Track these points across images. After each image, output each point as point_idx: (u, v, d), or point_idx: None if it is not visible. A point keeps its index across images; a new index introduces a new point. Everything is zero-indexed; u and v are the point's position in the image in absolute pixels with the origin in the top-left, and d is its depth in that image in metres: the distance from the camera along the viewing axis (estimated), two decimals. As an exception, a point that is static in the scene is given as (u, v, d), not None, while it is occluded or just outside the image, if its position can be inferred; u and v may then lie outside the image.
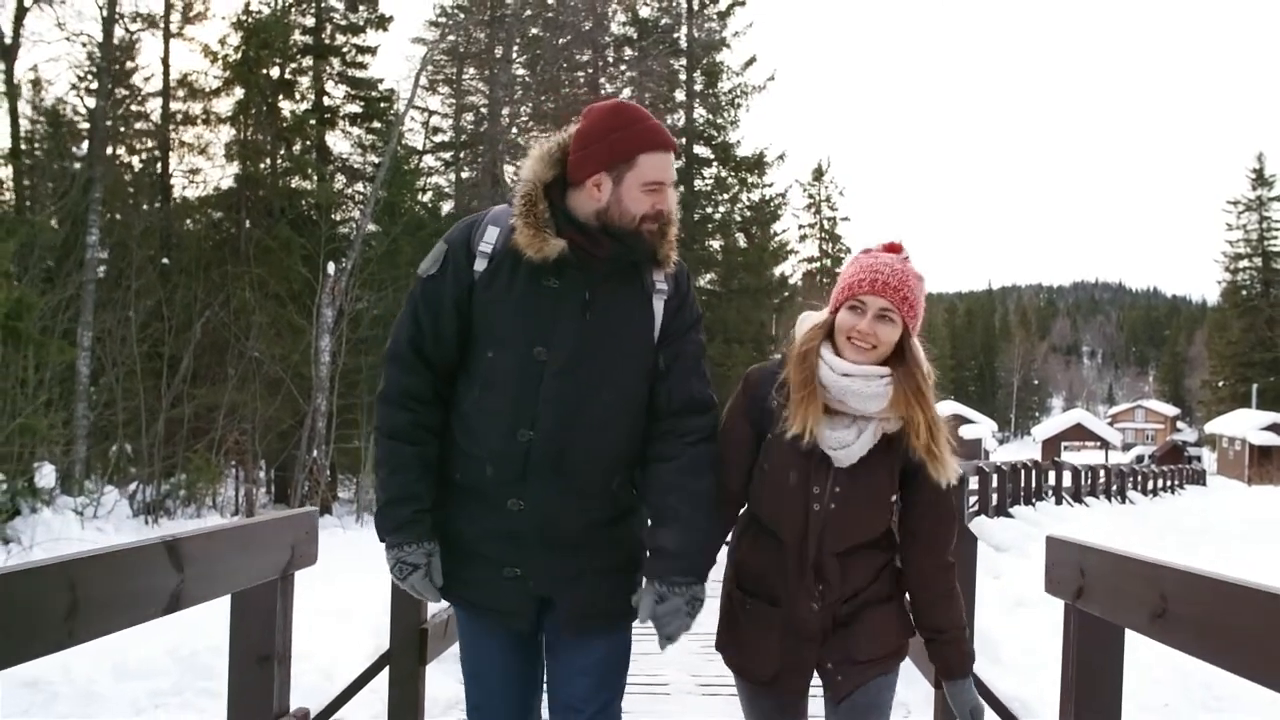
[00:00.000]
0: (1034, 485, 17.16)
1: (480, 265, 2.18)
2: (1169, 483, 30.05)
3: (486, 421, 2.18)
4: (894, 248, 2.28)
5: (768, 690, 2.33)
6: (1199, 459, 56.48)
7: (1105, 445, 65.94)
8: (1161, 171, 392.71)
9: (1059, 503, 18.37)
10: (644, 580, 2.23)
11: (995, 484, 14.19)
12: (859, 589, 2.27)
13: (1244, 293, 60.73)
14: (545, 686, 2.40)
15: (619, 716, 2.33)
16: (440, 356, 2.20)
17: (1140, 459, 53.93)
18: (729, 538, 2.47)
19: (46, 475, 12.34)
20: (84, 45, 20.58)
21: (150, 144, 23.01)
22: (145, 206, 21.60)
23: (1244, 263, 61.27)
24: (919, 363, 2.21)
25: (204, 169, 22.72)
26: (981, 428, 62.86)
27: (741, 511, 2.42)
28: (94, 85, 20.35)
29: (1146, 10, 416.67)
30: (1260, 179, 60.91)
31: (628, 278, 2.22)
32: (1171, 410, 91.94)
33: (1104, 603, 2.37)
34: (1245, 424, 53.07)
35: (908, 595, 2.35)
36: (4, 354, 11.34)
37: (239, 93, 21.91)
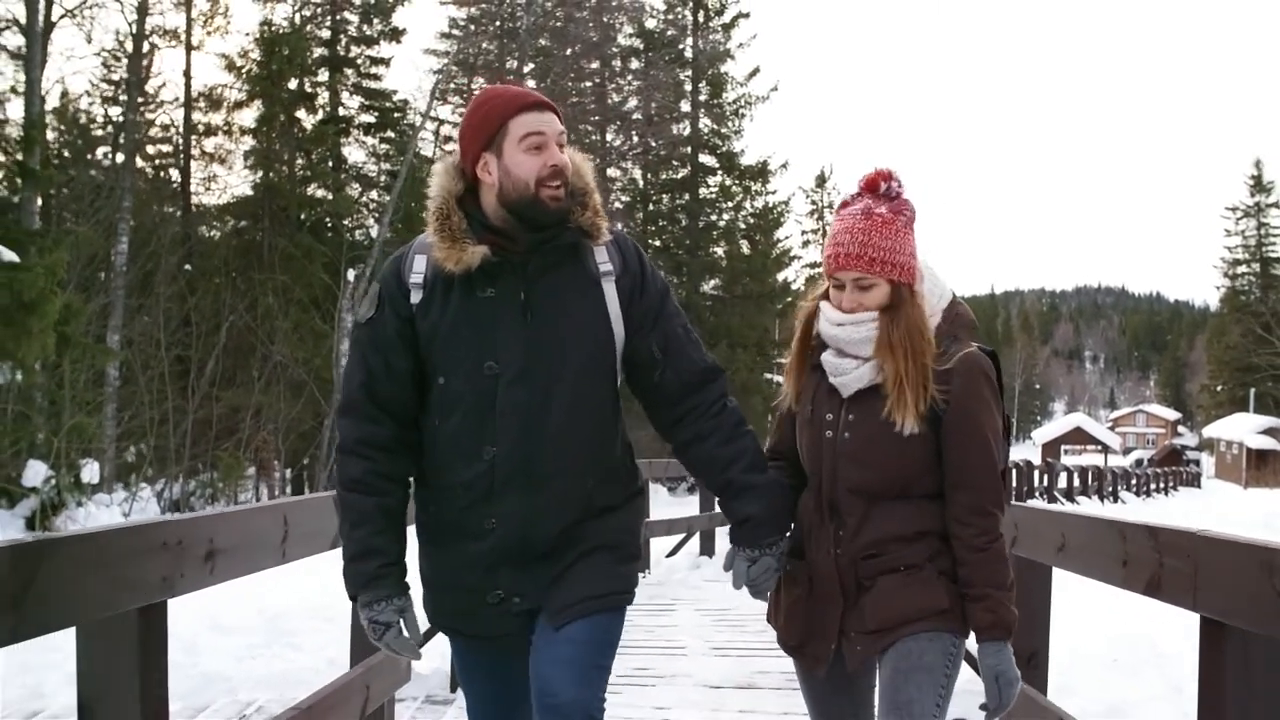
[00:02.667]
0: (1027, 485, 17.83)
1: (416, 297, 2.12)
2: (1162, 484, 30.73)
3: (450, 447, 2.12)
4: (872, 184, 2.21)
5: (801, 658, 2.25)
6: (1197, 463, 57.09)
7: (1105, 449, 66.46)
8: (1165, 176, 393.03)
9: (1051, 501, 19.07)
10: (732, 546, 2.25)
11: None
12: (882, 544, 2.15)
13: (1242, 298, 61.28)
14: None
15: (600, 708, 2.16)
16: (396, 397, 2.13)
17: (1139, 462, 54.55)
18: None
19: (91, 472, 13.08)
20: (113, 58, 21.42)
21: (170, 151, 23.82)
22: (168, 210, 22.37)
23: (1242, 268, 61.81)
24: (907, 315, 2.15)
25: (223, 178, 23.60)
26: (982, 431, 63.36)
27: None
28: (123, 97, 21.16)
29: (1150, 15, 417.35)
30: (1259, 185, 61.42)
31: (564, 267, 2.13)
32: (1172, 415, 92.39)
33: (1029, 545, 3.10)
34: (1242, 428, 53.64)
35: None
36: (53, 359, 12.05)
37: (260, 104, 22.68)
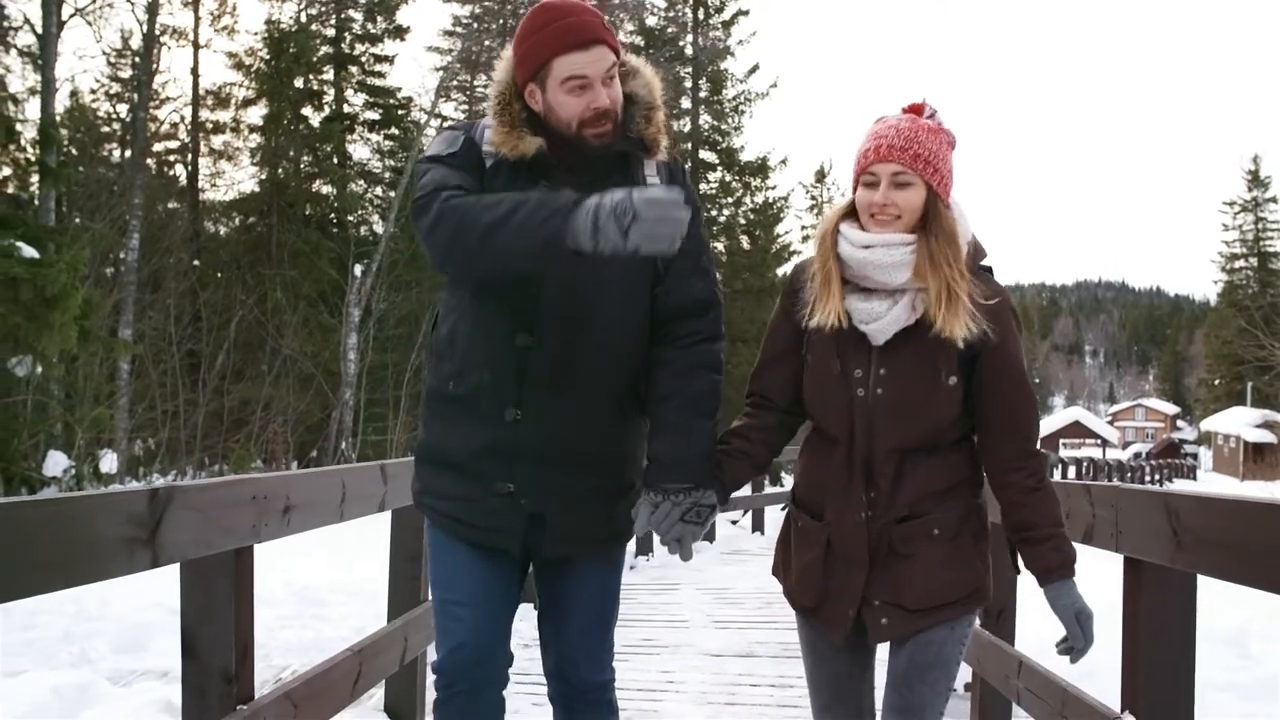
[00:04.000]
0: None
1: (488, 162, 2.08)
2: (1156, 477, 31.12)
3: (482, 326, 2.07)
4: (916, 108, 2.10)
5: (816, 620, 2.13)
6: (1195, 456, 57.49)
7: (1103, 443, 66.93)
8: (1165, 170, 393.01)
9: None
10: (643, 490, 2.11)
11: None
12: (917, 505, 2.04)
13: (1240, 292, 61.63)
14: (538, 635, 2.29)
15: (614, 679, 2.27)
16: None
17: (1138, 456, 54.98)
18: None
19: (110, 462, 13.46)
20: (119, 55, 21.78)
21: (177, 147, 24.21)
22: (174, 206, 22.76)
23: (1240, 263, 62.18)
24: (944, 227, 2.01)
25: (230, 174, 23.97)
26: (981, 425, 63.88)
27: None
28: (133, 96, 21.53)
29: (1151, 10, 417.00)
30: (1256, 180, 61.77)
31: (614, 176, 2.05)
32: (1171, 408, 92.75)
33: (994, 510, 3.46)
34: (1240, 421, 54.02)
35: (999, 502, 2.13)
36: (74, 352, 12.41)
37: (266, 102, 23.05)
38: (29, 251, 11.75)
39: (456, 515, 2.12)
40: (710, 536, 11.11)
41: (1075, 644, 2.03)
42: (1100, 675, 4.57)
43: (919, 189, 1.99)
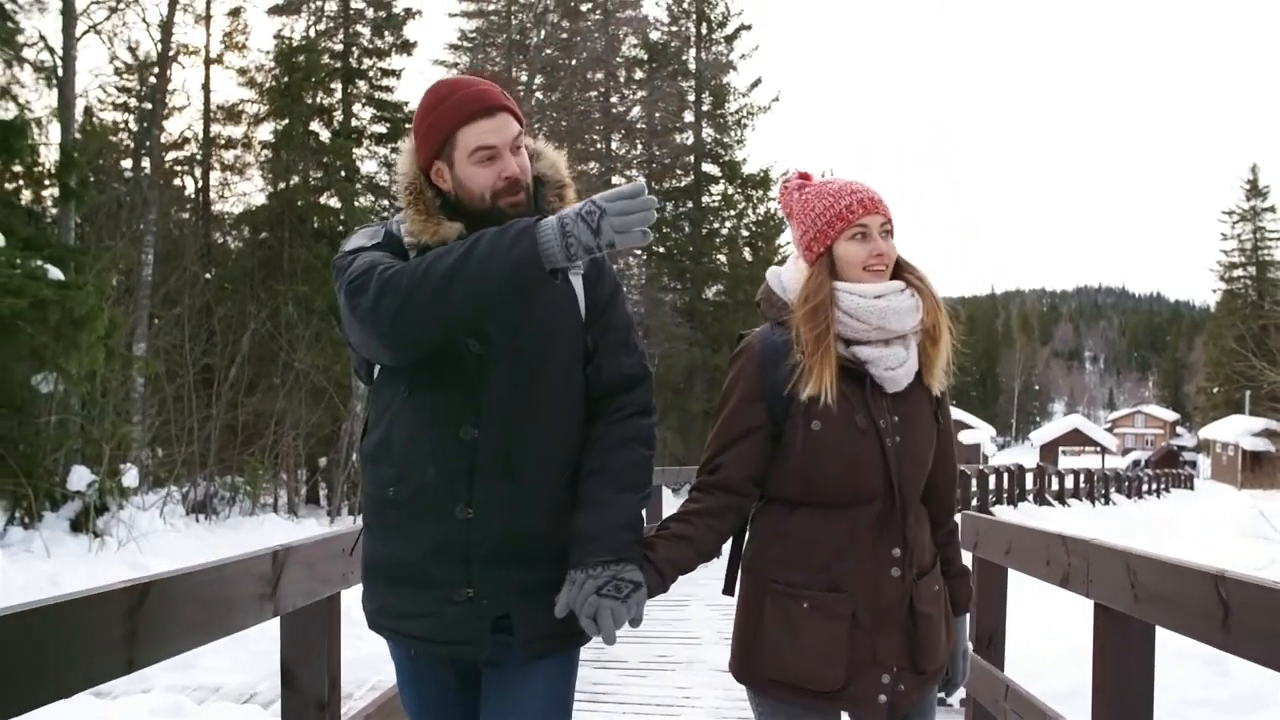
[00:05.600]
0: (1018, 487, 18.57)
1: (411, 254, 1.97)
2: (1154, 486, 31.46)
3: (420, 422, 1.97)
4: (806, 177, 2.15)
5: (838, 704, 1.99)
6: (1194, 464, 57.79)
7: (1102, 450, 67.20)
8: (1166, 176, 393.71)
9: (1041, 504, 19.80)
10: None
11: (975, 486, 15.66)
12: (923, 558, 2.05)
13: (1238, 301, 61.97)
14: None
15: None
16: None
17: (1136, 463, 55.34)
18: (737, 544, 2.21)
19: (131, 476, 13.83)
20: (128, 70, 22.15)
21: (185, 158, 24.61)
22: (184, 216, 23.16)
23: (1239, 271, 62.57)
24: (916, 268, 2.08)
25: (240, 188, 24.38)
26: (980, 433, 64.28)
27: (755, 513, 2.14)
28: (145, 105, 21.93)
29: (1152, 14, 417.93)
30: (1254, 190, 62.19)
31: None
32: (1171, 416, 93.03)
33: (987, 549, 3.85)
34: (1238, 430, 54.32)
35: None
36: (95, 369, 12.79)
37: (277, 119, 23.45)
38: (55, 273, 12.13)
39: (419, 634, 2.00)
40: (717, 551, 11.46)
41: (958, 680, 2.19)
42: (1081, 695, 4.99)
43: (893, 238, 2.05)
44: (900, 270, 2.06)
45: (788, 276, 2.12)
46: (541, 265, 1.76)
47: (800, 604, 1.99)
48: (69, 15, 16.69)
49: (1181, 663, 6.53)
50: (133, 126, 23.91)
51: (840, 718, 2.03)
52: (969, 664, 2.14)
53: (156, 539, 13.17)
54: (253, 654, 5.85)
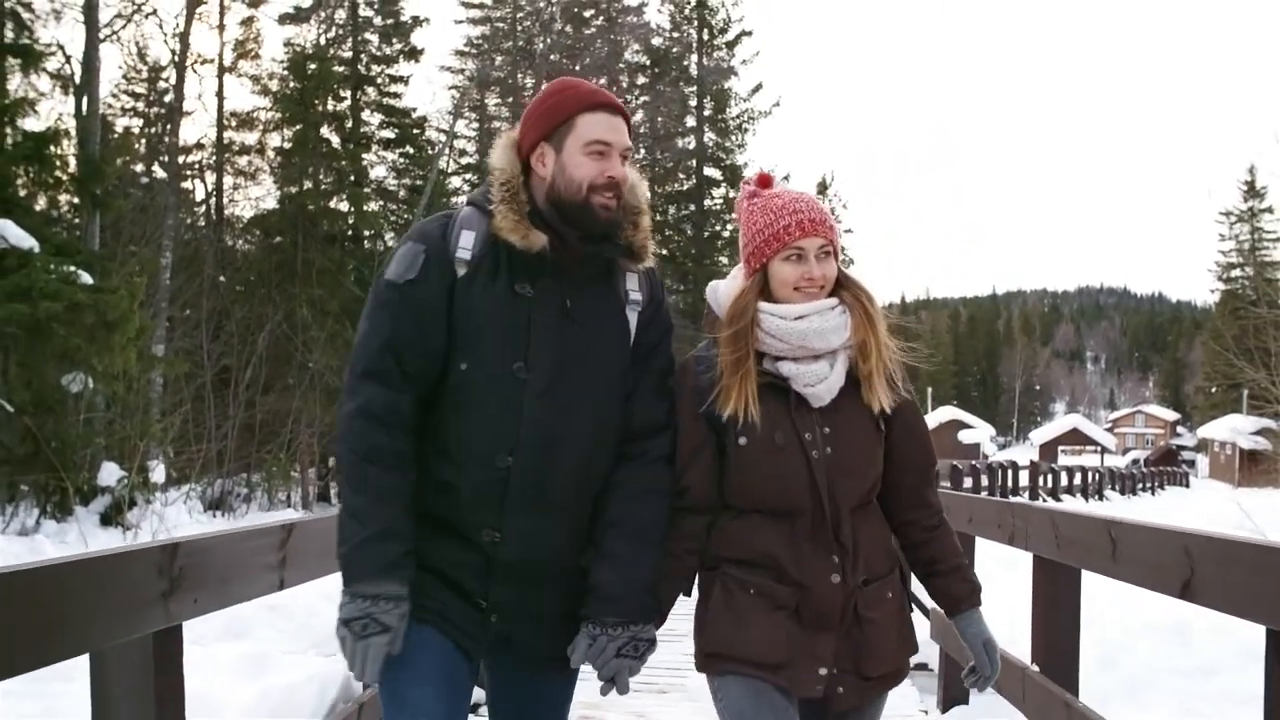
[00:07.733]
0: (1012, 484, 19.11)
1: (460, 271, 1.96)
2: (1149, 484, 31.96)
3: (459, 445, 1.97)
4: (766, 181, 2.15)
5: (778, 677, 2.02)
6: (1192, 463, 58.21)
7: (1102, 449, 67.62)
8: (1168, 176, 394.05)
9: (1035, 499, 20.33)
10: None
11: (969, 483, 16.21)
12: (872, 566, 2.07)
13: (1236, 301, 62.29)
14: None
15: None
16: (425, 373, 1.96)
17: (1135, 463, 55.80)
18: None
19: (159, 473, 14.41)
20: (136, 74, 22.70)
21: (196, 162, 25.18)
22: (198, 223, 23.72)
23: (1236, 271, 62.94)
24: (860, 285, 2.09)
25: (251, 192, 24.94)
26: (980, 432, 64.87)
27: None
28: (158, 110, 22.48)
29: (1154, 14, 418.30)
30: (1252, 190, 62.55)
31: (602, 284, 2.05)
32: (1171, 415, 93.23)
33: (953, 520, 4.40)
34: (1235, 428, 54.60)
35: (898, 539, 2.16)
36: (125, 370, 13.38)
37: (289, 126, 24.01)
38: (86, 278, 12.71)
39: (440, 613, 1.99)
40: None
41: (983, 672, 2.12)
42: (1021, 643, 5.60)
43: (833, 258, 2.07)
44: (838, 286, 2.09)
45: (724, 293, 2.15)
46: (343, 573, 1.91)
47: (747, 590, 2.04)
48: (92, 26, 17.24)
49: (1147, 634, 7.10)
50: (146, 129, 24.47)
51: (788, 698, 2.04)
52: (998, 656, 2.13)
53: (183, 532, 13.80)
54: (299, 626, 6.43)
